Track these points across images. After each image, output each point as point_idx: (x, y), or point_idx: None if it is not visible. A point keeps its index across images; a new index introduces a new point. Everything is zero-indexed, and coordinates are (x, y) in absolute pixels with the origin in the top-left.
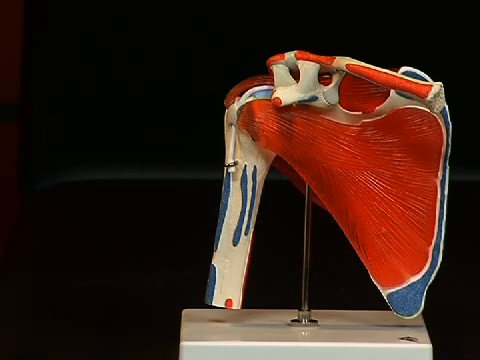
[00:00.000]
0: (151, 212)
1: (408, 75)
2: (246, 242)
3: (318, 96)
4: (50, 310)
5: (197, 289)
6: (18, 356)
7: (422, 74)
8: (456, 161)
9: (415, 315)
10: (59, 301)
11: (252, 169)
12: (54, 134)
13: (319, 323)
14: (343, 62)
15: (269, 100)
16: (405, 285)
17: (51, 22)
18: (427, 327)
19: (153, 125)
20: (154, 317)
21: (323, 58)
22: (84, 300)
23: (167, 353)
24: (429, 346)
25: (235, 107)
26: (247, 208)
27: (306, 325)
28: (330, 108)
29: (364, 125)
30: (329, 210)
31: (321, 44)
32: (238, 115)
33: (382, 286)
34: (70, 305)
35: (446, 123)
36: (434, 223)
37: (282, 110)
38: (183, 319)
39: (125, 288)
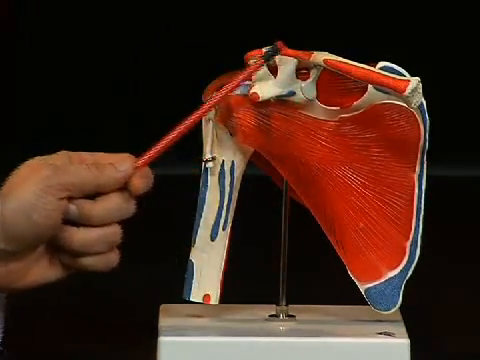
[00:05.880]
0: None
1: (386, 70)
2: (224, 237)
3: (296, 91)
4: (38, 309)
5: (175, 284)
6: (18, 356)
7: (400, 69)
8: (434, 156)
9: (393, 310)
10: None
11: (230, 164)
12: (54, 134)
13: (297, 318)
14: (321, 57)
15: (247, 95)
16: (383, 280)
17: (51, 22)
18: (404, 322)
19: (153, 125)
20: (132, 313)
21: (301, 53)
22: (67, 296)
23: (146, 348)
24: (407, 341)
25: None
26: (225, 203)
27: (284, 320)
28: (308, 103)
29: (342, 120)
30: (307, 205)
31: (318, 44)
32: (216, 110)
33: (360, 281)
34: (53, 302)
35: (424, 118)
36: (412, 218)
37: (260, 105)
38: (161, 314)
39: (106, 285)
